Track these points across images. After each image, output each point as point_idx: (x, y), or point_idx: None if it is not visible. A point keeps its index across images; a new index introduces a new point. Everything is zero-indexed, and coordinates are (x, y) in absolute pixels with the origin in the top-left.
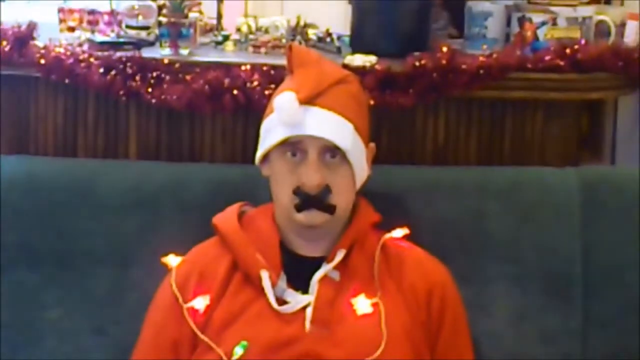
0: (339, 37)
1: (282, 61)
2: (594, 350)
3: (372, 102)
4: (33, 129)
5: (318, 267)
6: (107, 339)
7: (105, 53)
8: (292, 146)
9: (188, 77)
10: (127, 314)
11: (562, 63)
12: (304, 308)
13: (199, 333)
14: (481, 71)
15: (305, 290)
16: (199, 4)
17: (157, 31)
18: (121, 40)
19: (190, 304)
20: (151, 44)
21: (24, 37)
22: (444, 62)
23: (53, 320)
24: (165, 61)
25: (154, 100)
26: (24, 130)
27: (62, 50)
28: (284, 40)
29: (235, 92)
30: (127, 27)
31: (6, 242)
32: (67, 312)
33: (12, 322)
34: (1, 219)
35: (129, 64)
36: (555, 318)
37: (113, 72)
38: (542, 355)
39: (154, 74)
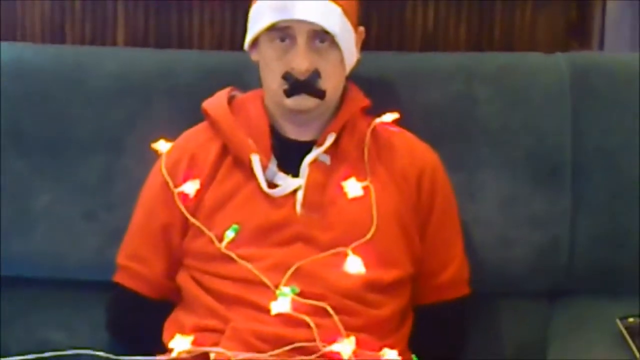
0: None
1: None
2: (582, 233)
3: None
4: (20, 16)
5: (308, 152)
6: (98, 224)
7: None
8: (281, 31)
9: None
10: (118, 199)
11: None
12: (295, 192)
13: (189, 217)
14: None
15: (295, 174)
16: None
17: None
18: None
19: (180, 189)
20: None
21: None
22: None
23: (44, 207)
24: None
25: None
26: (11, 17)
27: None
28: None
29: None
30: None
31: None
32: (58, 198)
33: (3, 210)
34: None
35: None
36: (545, 202)
37: None
38: (532, 239)
39: None
